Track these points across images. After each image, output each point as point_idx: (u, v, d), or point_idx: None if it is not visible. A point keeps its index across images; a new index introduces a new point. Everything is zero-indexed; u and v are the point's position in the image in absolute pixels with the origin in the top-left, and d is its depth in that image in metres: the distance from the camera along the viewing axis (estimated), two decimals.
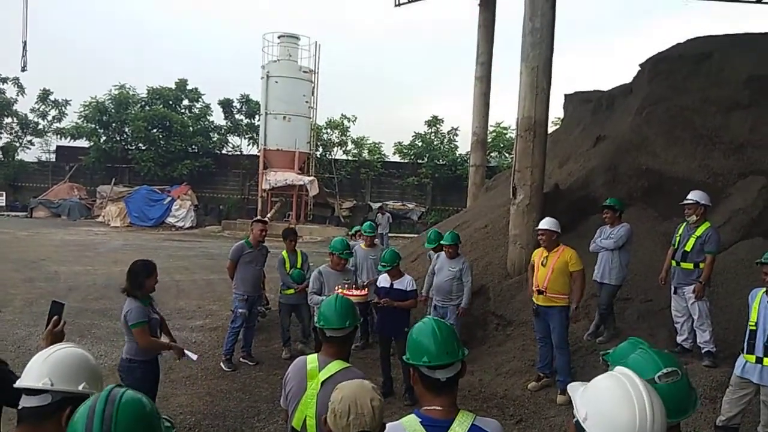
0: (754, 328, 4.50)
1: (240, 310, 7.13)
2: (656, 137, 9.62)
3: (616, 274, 6.77)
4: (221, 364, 7.10)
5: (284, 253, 7.70)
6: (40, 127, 32.22)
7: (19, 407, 1.86)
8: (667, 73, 10.63)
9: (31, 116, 31.97)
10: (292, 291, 7.50)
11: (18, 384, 1.85)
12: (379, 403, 1.91)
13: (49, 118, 32.11)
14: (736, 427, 4.62)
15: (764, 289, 4.57)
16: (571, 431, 1.68)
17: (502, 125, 29.19)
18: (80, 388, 1.84)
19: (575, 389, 1.70)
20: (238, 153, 32.40)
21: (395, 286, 6.43)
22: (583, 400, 1.63)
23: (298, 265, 7.61)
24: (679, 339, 6.30)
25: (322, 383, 2.85)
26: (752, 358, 4.46)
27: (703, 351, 5.98)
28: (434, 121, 30.68)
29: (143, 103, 30.69)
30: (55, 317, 2.92)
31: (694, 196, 6.26)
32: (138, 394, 1.49)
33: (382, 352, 6.61)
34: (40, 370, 1.84)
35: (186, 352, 4.74)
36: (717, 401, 5.00)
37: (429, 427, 2.10)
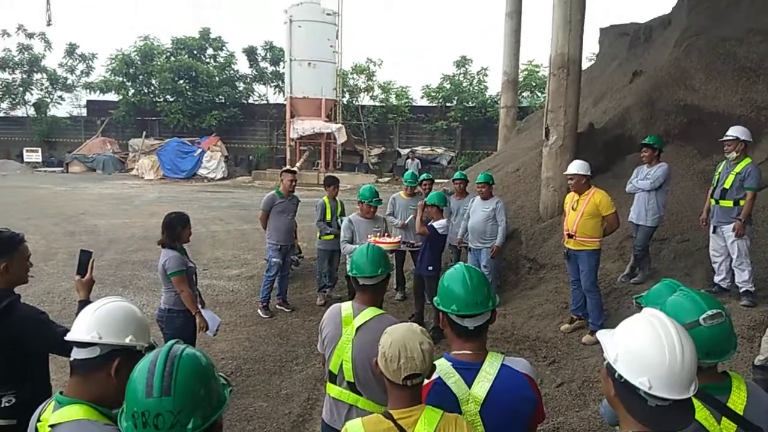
0: None
1: (274, 259, 7.25)
2: (696, 71, 9.19)
3: (653, 216, 6.63)
4: (258, 311, 7.30)
5: (325, 199, 7.76)
6: (69, 81, 32.57)
7: (71, 359, 1.93)
8: (708, 1, 10.05)
9: (59, 71, 32.30)
10: (331, 236, 7.57)
11: (68, 337, 1.91)
12: (428, 346, 1.94)
13: (77, 72, 32.42)
14: None
15: None
16: (603, 374, 1.67)
17: (533, 63, 28.31)
18: (127, 340, 1.89)
19: (604, 335, 1.70)
20: (265, 102, 32.32)
21: (434, 224, 6.64)
22: (613, 342, 1.63)
23: (339, 213, 7.67)
24: (716, 278, 6.19)
25: (357, 329, 2.92)
26: None
27: (741, 290, 5.88)
28: (463, 62, 29.89)
29: (168, 54, 30.65)
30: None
31: (733, 131, 6.02)
32: (197, 352, 1.53)
33: (416, 289, 6.95)
34: (89, 323, 1.90)
35: (209, 330, 4.73)
36: (755, 340, 4.95)
37: (460, 370, 2.13)
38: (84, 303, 2.83)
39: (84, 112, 33.22)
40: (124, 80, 30.03)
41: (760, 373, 4.57)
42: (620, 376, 1.56)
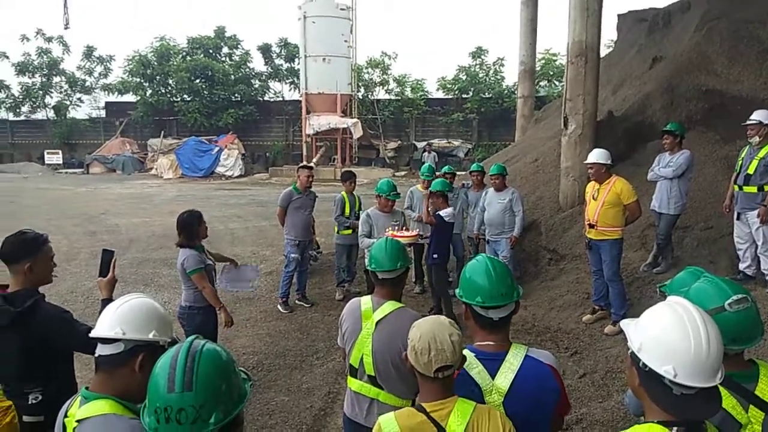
0: None
1: (292, 255, 7.27)
2: (717, 55, 9.01)
3: (675, 204, 6.52)
4: (278, 306, 7.33)
5: (344, 194, 7.77)
6: (88, 84, 33.00)
7: (96, 355, 1.95)
8: None
9: (78, 74, 32.73)
10: (349, 231, 7.58)
11: (93, 334, 1.94)
12: (458, 338, 1.93)
13: (96, 74, 32.84)
14: None
15: None
16: (627, 363, 1.65)
17: (551, 52, 28.03)
18: (150, 336, 1.92)
19: (627, 324, 1.68)
20: (281, 99, 32.45)
21: (439, 213, 6.63)
22: (637, 331, 1.61)
23: (357, 207, 7.68)
24: (741, 266, 6.07)
25: (377, 323, 2.91)
26: None
27: (767, 277, 5.76)
28: (478, 53, 29.68)
29: (184, 53, 30.91)
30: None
31: (757, 116, 5.88)
32: (218, 347, 1.54)
33: (429, 280, 7.03)
34: (112, 320, 1.92)
35: (251, 280, 4.86)
36: None
37: (484, 360, 2.11)
38: (107, 301, 2.87)
39: (103, 113, 33.66)
40: (142, 81, 30.36)
41: None
42: (645, 365, 1.54)
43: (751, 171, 5.85)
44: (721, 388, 1.85)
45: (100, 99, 33.71)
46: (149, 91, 30.64)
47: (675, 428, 1.54)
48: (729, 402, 1.84)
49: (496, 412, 1.94)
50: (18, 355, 2.65)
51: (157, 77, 30.38)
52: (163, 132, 29.40)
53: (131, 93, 30.77)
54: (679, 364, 1.48)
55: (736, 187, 6.04)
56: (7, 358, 2.67)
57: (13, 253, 2.73)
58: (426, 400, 1.95)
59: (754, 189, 5.85)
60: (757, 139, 5.86)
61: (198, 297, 4.58)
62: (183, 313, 4.69)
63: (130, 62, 30.21)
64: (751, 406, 1.85)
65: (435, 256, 6.62)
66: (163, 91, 30.81)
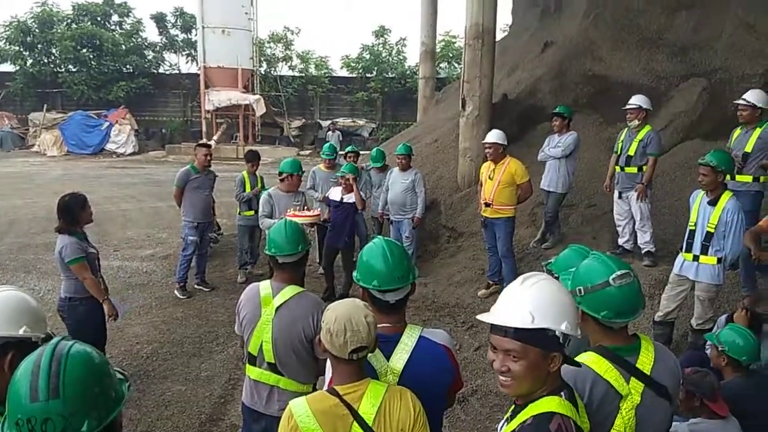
0: (694, 228, 4.70)
1: (191, 238, 7.00)
2: (603, 41, 9.57)
3: (563, 183, 6.92)
4: (175, 291, 7.05)
5: (245, 173, 7.56)
6: None
7: None
8: None
9: None
10: (251, 212, 7.39)
11: None
12: (372, 319, 1.95)
13: None
14: (672, 321, 4.93)
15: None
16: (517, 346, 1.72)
17: (451, 34, 28.56)
18: (21, 331, 1.77)
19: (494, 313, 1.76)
20: (177, 72, 30.80)
21: (344, 200, 6.66)
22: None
23: (260, 187, 7.48)
24: (620, 241, 6.57)
25: (277, 309, 2.87)
26: (689, 256, 4.69)
27: (643, 251, 6.27)
28: (381, 32, 29.68)
29: (69, 20, 28.47)
30: None
31: (636, 100, 6.32)
32: (87, 347, 1.40)
33: (327, 264, 7.00)
34: None
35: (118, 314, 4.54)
36: (655, 298, 5.30)
37: (380, 343, 2.14)
38: None
39: None
40: (21, 50, 27.63)
41: (660, 329, 4.93)
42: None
43: (631, 153, 6.28)
44: (604, 361, 1.99)
45: None
46: (30, 61, 27.97)
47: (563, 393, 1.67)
48: (612, 374, 1.95)
49: (407, 393, 1.97)
50: None
51: (39, 46, 27.78)
52: (45, 105, 27.00)
53: (9, 62, 27.94)
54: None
55: (618, 168, 6.46)
56: None
57: None
58: (339, 383, 1.96)
59: (634, 170, 6.30)
60: (636, 122, 6.28)
61: (79, 287, 4.28)
62: (63, 305, 4.36)
63: (8, 28, 27.41)
64: (632, 378, 1.97)
65: (347, 239, 6.73)
66: (46, 60, 28.25)
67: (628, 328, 2.10)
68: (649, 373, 1.99)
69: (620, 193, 6.45)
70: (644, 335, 2.15)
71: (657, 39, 9.25)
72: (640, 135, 6.24)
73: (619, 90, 8.61)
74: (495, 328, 1.69)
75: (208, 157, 7.10)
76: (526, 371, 1.64)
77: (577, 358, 2.04)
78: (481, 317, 1.76)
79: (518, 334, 1.63)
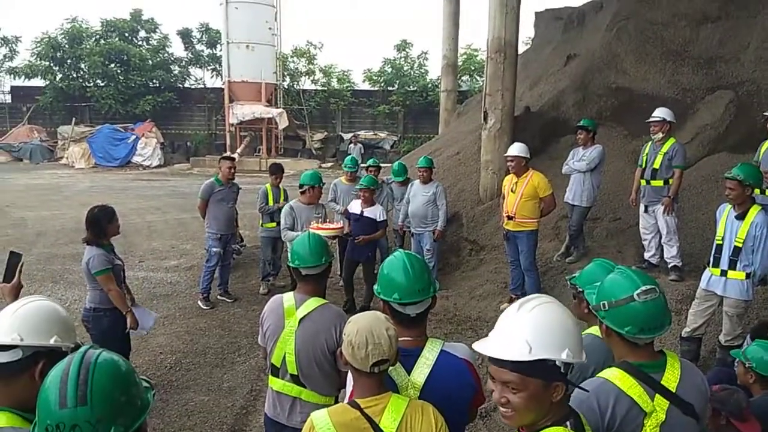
0: (721, 242, 4.62)
1: (214, 249, 7.08)
2: (626, 54, 9.52)
3: (587, 196, 6.85)
4: (198, 302, 7.12)
5: (268, 186, 7.63)
6: None
7: None
8: None
9: None
10: (273, 224, 7.45)
11: None
12: (394, 332, 1.94)
13: (0, 56, 30.44)
14: (700, 337, 4.84)
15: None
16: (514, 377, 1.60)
17: (472, 48, 28.53)
18: (52, 341, 1.80)
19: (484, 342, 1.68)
20: (202, 86, 31.29)
21: (365, 214, 6.68)
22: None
23: (282, 200, 7.54)
24: (646, 255, 6.47)
25: (300, 321, 2.88)
26: (717, 271, 4.61)
27: (669, 266, 6.16)
28: (403, 45, 29.82)
29: (98, 36, 29.17)
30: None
31: (660, 113, 6.25)
32: (114, 356, 1.44)
33: (347, 276, 6.98)
34: (9, 325, 1.79)
35: (140, 328, 4.54)
36: (682, 313, 5.20)
37: (401, 357, 2.14)
38: None
39: (8, 98, 31.25)
40: (51, 65, 28.39)
41: (687, 345, 4.84)
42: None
43: (656, 166, 6.22)
44: (628, 377, 1.96)
45: (4, 83, 31.29)
46: (59, 76, 28.68)
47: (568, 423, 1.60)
48: (636, 391, 1.92)
49: (429, 408, 1.96)
50: None
51: (68, 61, 28.50)
52: (74, 119, 27.67)
53: (39, 77, 28.68)
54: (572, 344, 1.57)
55: (643, 182, 6.39)
56: None
57: None
58: (361, 396, 1.95)
59: (660, 183, 6.22)
60: (660, 135, 6.21)
61: (104, 298, 4.33)
62: (88, 315, 4.42)
63: (39, 44, 28.18)
64: (657, 395, 1.93)
65: (368, 252, 6.73)
66: (75, 75, 28.94)
67: (653, 344, 2.06)
68: (674, 391, 1.96)
69: (646, 207, 6.37)
70: (670, 352, 2.11)
71: (682, 51, 9.17)
72: (665, 147, 6.17)
73: (644, 102, 8.53)
74: (492, 358, 1.59)
75: (232, 170, 7.19)
76: (527, 403, 1.55)
77: (600, 374, 2.02)
78: (476, 347, 1.65)
79: (516, 365, 1.53)
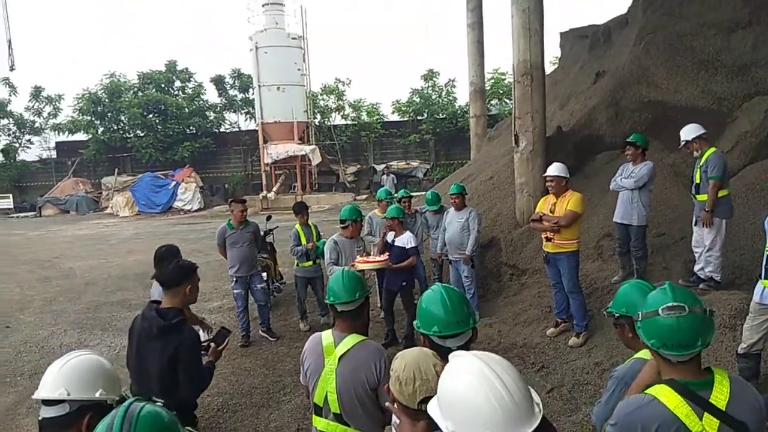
0: None
1: (235, 291, 7.17)
2: (656, 67, 9.38)
3: (638, 215, 6.56)
4: (237, 343, 7.17)
5: (298, 227, 7.71)
6: (37, 125, 32.12)
7: (39, 418, 1.86)
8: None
9: (26, 115, 31.85)
10: (308, 263, 7.50)
11: (35, 395, 1.86)
12: (441, 368, 1.91)
13: (45, 114, 31.98)
14: (758, 353, 4.60)
15: None
16: None
17: (499, 72, 28.67)
18: (97, 395, 1.84)
19: (432, 405, 1.60)
20: (237, 129, 32.20)
21: (396, 243, 6.67)
22: (443, 412, 1.52)
23: (314, 238, 7.59)
24: (696, 268, 6.25)
25: (340, 358, 2.87)
26: None
27: (705, 276, 6.02)
28: (430, 75, 30.15)
29: (135, 89, 30.46)
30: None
31: (682, 135, 6.19)
32: (157, 408, 1.47)
33: (386, 306, 6.91)
34: (56, 380, 1.84)
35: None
36: (737, 329, 4.98)
37: None
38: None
39: (54, 154, 32.71)
40: (93, 119, 29.72)
41: (744, 362, 4.61)
42: None
43: (698, 180, 6.10)
44: (675, 395, 1.89)
45: (50, 139, 32.81)
46: (101, 129, 29.99)
47: None
48: (683, 410, 1.87)
49: None
50: (159, 366, 3.11)
51: (109, 114, 29.79)
52: (117, 169, 28.77)
53: (82, 131, 30.04)
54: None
55: (693, 197, 6.27)
56: (151, 368, 3.12)
57: (174, 279, 3.34)
58: None
59: (704, 197, 6.04)
60: (696, 153, 6.13)
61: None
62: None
63: (80, 100, 29.58)
64: (706, 413, 1.87)
65: (404, 283, 6.66)
66: (115, 127, 30.19)
67: (699, 362, 2.00)
68: (724, 409, 1.88)
69: (696, 220, 6.22)
70: (719, 369, 2.03)
71: (714, 60, 8.99)
72: (702, 161, 6.06)
73: (679, 114, 8.36)
74: None
75: (244, 213, 7.23)
76: None
77: (649, 390, 1.98)
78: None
79: None
